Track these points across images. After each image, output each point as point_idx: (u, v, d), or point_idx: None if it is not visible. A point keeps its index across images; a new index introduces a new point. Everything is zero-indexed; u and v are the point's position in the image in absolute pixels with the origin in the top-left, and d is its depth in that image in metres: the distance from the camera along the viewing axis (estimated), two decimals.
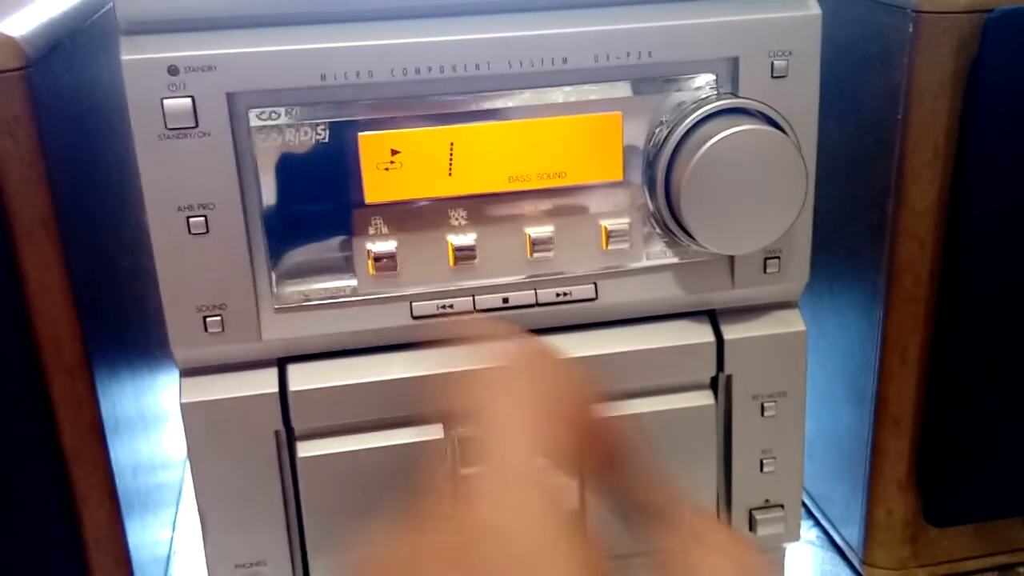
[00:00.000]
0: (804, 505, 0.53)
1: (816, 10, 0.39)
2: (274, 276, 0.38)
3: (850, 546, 0.50)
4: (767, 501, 0.45)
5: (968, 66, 0.40)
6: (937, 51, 0.40)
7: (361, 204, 0.38)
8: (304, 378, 0.40)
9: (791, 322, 0.43)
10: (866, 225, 0.45)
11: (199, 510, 0.40)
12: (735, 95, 0.39)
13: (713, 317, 0.43)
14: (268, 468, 0.40)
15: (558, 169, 0.39)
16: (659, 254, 0.41)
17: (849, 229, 0.47)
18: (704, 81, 0.39)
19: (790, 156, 0.38)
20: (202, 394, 0.39)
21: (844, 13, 0.44)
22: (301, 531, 0.41)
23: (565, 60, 0.37)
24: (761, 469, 0.45)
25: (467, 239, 0.39)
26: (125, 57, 0.35)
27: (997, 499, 0.47)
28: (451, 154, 0.38)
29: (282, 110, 0.36)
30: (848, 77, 0.45)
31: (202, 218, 0.36)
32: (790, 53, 0.39)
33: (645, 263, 0.41)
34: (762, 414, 0.44)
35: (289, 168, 0.37)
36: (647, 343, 0.42)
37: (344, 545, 0.42)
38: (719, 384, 0.44)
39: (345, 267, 0.39)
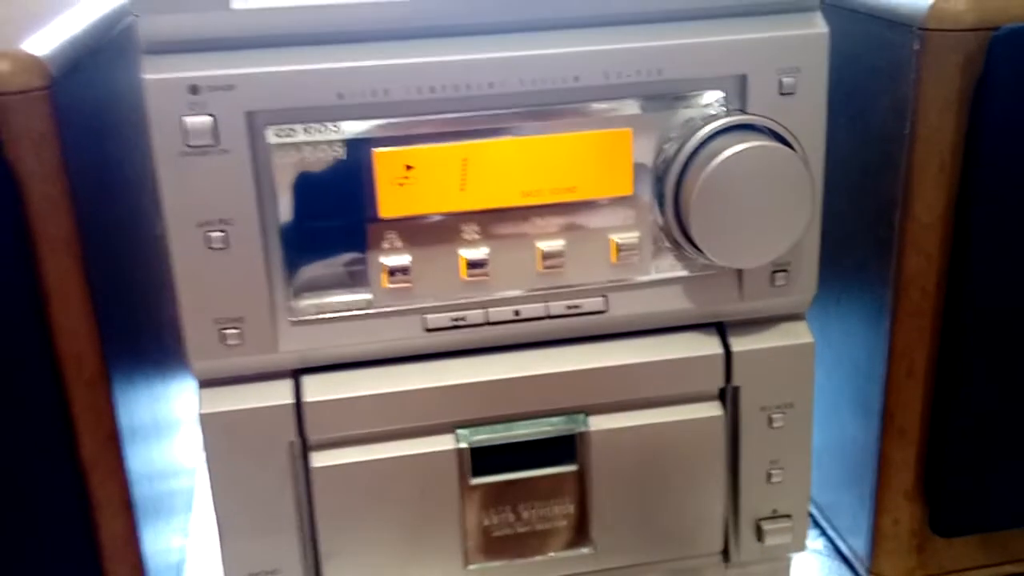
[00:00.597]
0: (811, 515, 0.53)
1: (823, 28, 0.40)
2: (291, 290, 0.39)
3: (857, 556, 0.51)
4: (774, 511, 0.46)
5: (974, 83, 0.41)
6: (943, 68, 0.41)
7: (376, 219, 0.38)
8: (319, 389, 0.40)
9: (799, 334, 0.44)
10: (873, 238, 0.46)
11: (216, 518, 0.41)
12: (743, 112, 0.40)
13: (721, 329, 0.43)
14: (283, 477, 0.41)
15: (569, 184, 0.40)
16: (668, 267, 0.42)
17: (856, 242, 0.47)
18: (713, 98, 0.40)
19: (798, 171, 0.38)
20: (219, 405, 0.39)
21: (851, 30, 0.45)
22: (315, 540, 0.42)
23: (576, 78, 0.38)
24: (768, 480, 0.45)
25: (479, 253, 0.40)
26: (146, 76, 0.35)
27: (1003, 509, 0.47)
28: (464, 170, 0.39)
29: (300, 128, 0.37)
30: (855, 93, 0.45)
31: (221, 233, 0.37)
32: (798, 70, 0.40)
33: (654, 276, 0.42)
34: (770, 425, 0.44)
35: (306, 184, 0.38)
36: (656, 355, 0.42)
37: (357, 554, 0.42)
38: (727, 395, 0.44)
39: (360, 281, 0.39)
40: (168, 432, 0.53)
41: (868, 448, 0.48)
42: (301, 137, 0.37)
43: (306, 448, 0.41)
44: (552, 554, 0.44)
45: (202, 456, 0.41)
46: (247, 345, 0.39)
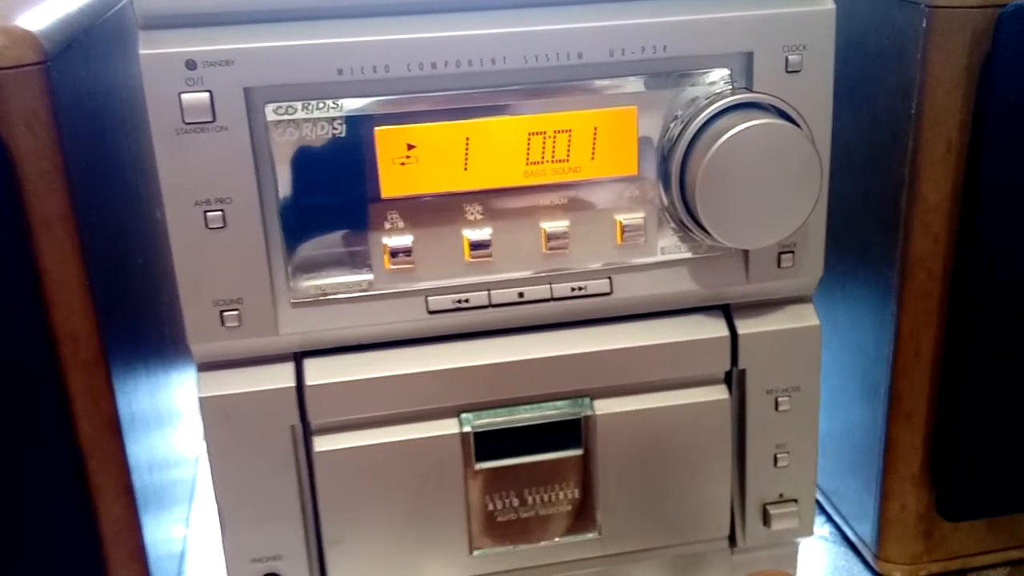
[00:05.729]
0: (817, 501, 0.53)
1: (830, 5, 0.39)
2: (291, 270, 0.38)
3: (863, 541, 0.50)
4: (781, 496, 0.45)
5: (981, 61, 0.40)
6: (950, 46, 0.40)
7: (377, 198, 0.38)
8: (320, 372, 0.40)
9: (805, 316, 0.43)
10: (880, 220, 0.45)
11: (216, 504, 0.40)
12: (749, 90, 0.39)
13: (727, 311, 0.43)
14: (285, 462, 0.40)
15: (573, 164, 0.39)
16: (673, 248, 0.41)
17: (863, 224, 0.47)
18: (718, 76, 0.39)
19: (804, 150, 0.38)
20: (219, 388, 0.39)
21: (858, 8, 0.44)
22: (317, 525, 0.42)
23: (580, 55, 0.38)
24: (775, 464, 0.45)
25: (483, 234, 0.39)
26: (143, 51, 0.35)
27: (1010, 494, 0.47)
28: (467, 148, 0.38)
29: (299, 105, 0.36)
30: (862, 72, 0.45)
31: (219, 213, 0.36)
32: (804, 48, 0.39)
33: (659, 257, 0.41)
34: (776, 408, 0.44)
35: (306, 162, 0.37)
36: (661, 337, 0.42)
37: (361, 539, 0.42)
38: (733, 378, 0.44)
39: (361, 262, 0.39)
40: (169, 421, 0.52)
41: (874, 432, 0.47)
42: (300, 114, 0.36)
43: (308, 432, 0.40)
44: (557, 539, 0.44)
45: (203, 446, 0.40)
46: (247, 327, 0.38)
